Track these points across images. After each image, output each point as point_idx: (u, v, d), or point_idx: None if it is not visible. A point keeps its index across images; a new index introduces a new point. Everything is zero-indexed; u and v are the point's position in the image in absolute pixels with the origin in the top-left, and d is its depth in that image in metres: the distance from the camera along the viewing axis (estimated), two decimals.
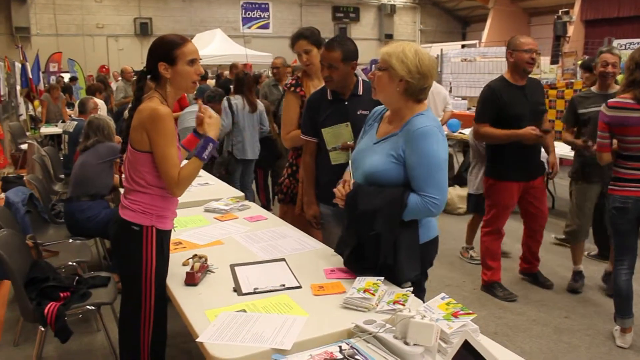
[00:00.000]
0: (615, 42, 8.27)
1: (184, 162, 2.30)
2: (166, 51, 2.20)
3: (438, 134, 2.21)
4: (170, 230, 2.38)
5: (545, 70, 9.97)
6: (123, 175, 2.36)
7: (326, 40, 3.18)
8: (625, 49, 8.26)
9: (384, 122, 2.41)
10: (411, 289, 2.13)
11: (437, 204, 2.18)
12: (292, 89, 3.47)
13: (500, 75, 4.08)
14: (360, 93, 3.00)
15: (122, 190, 2.40)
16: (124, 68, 9.94)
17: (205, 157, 2.27)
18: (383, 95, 2.31)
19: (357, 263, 2.28)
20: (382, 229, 2.17)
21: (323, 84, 3.13)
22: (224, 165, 5.62)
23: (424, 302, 2.20)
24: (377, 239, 2.18)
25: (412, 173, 2.21)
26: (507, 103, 3.87)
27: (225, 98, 5.73)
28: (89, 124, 4.46)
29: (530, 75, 4.00)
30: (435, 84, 6.67)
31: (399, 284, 2.25)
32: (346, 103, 3.00)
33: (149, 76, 2.28)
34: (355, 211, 2.24)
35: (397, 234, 2.19)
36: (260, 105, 5.81)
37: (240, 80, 5.82)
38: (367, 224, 2.19)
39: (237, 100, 5.62)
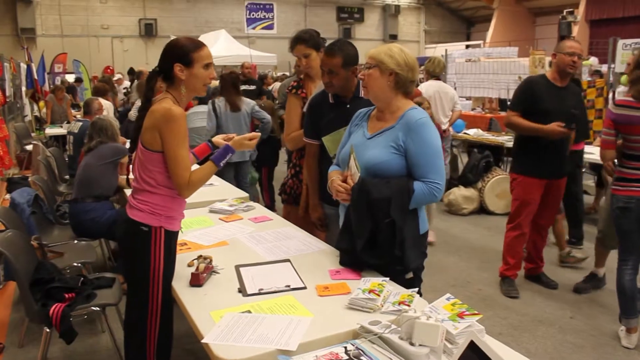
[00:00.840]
0: (620, 42, 8.22)
1: (194, 166, 2.31)
2: (184, 53, 2.22)
3: (433, 125, 2.39)
4: (177, 232, 2.39)
5: (549, 69, 9.95)
6: (131, 176, 2.37)
7: (327, 42, 3.17)
8: (629, 48, 8.20)
9: (372, 120, 2.52)
10: (415, 290, 2.13)
11: (439, 189, 2.32)
12: (294, 91, 3.48)
13: (542, 73, 4.28)
14: (362, 95, 2.99)
15: (127, 192, 2.41)
16: (143, 70, 10.00)
17: (222, 164, 2.32)
18: (375, 92, 2.41)
19: (370, 253, 2.31)
20: (396, 215, 2.24)
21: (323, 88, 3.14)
22: None
23: (421, 293, 2.27)
24: (392, 226, 2.25)
25: (415, 161, 2.32)
26: (539, 97, 3.96)
27: (210, 101, 5.68)
28: (92, 125, 4.48)
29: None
30: (441, 84, 6.66)
31: (404, 273, 2.33)
32: (348, 106, 2.99)
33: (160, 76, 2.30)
34: (367, 202, 2.28)
35: (405, 223, 2.27)
36: (247, 104, 5.65)
37: (221, 80, 5.77)
38: (382, 212, 2.25)
39: (220, 102, 5.57)
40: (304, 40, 3.37)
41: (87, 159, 4.37)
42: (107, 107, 7.32)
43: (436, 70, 6.58)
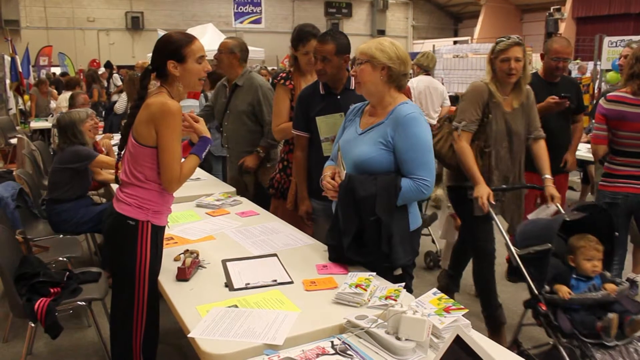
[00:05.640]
0: (606, 40, 8.31)
1: None
2: (175, 49, 2.20)
3: (423, 120, 2.35)
4: (164, 227, 2.38)
5: (536, 66, 10.03)
6: (119, 170, 2.35)
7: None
8: (615, 46, 8.28)
9: (365, 115, 2.51)
10: (402, 285, 2.14)
11: (428, 185, 2.29)
12: (282, 81, 3.48)
13: (535, 71, 4.23)
14: (353, 87, 3.00)
15: (113, 186, 2.39)
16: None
17: (203, 155, 2.34)
18: (368, 87, 2.40)
19: (356, 251, 2.31)
20: (382, 213, 2.24)
21: (314, 80, 3.14)
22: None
23: (411, 289, 2.29)
24: (378, 224, 2.24)
25: (403, 157, 2.30)
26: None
27: (202, 95, 5.58)
28: (56, 123, 4.27)
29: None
30: (432, 80, 6.67)
31: (393, 269, 2.33)
32: (339, 97, 3.00)
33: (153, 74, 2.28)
34: (353, 199, 2.28)
35: (392, 220, 2.27)
36: None
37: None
38: (367, 210, 2.25)
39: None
40: (317, 36, 3.21)
41: (55, 160, 4.21)
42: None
43: (430, 65, 6.59)
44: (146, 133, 2.18)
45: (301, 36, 3.37)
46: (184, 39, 2.23)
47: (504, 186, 3.22)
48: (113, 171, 4.28)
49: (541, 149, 3.32)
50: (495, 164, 3.18)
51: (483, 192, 3.02)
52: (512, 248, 2.79)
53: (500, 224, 3.05)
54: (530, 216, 3.20)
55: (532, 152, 3.33)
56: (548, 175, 3.23)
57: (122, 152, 2.33)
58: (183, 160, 2.29)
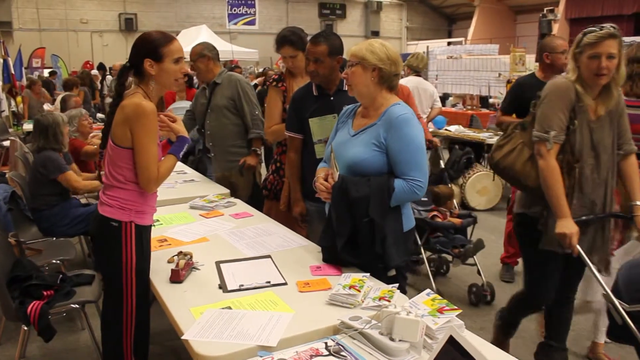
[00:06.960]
0: None
1: None
2: (153, 48, 2.20)
3: (415, 120, 2.36)
4: (150, 226, 2.38)
5: (530, 67, 10.06)
6: (102, 172, 2.35)
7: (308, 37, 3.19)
8: None
9: (358, 117, 2.52)
10: (395, 286, 2.14)
11: (421, 186, 2.29)
12: (275, 83, 3.50)
13: (531, 72, 4.31)
14: (346, 88, 3.00)
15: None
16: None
17: (181, 155, 2.35)
18: (359, 89, 2.40)
19: (350, 252, 2.32)
20: (375, 214, 2.24)
21: (306, 82, 3.14)
22: (194, 164, 5.47)
23: (405, 290, 2.29)
24: (371, 225, 2.25)
25: (396, 158, 2.31)
26: (529, 98, 3.90)
27: (195, 95, 5.58)
28: (35, 123, 4.18)
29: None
30: (421, 80, 6.68)
31: (387, 270, 2.33)
32: (332, 98, 3.01)
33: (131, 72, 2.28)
34: (346, 200, 2.28)
35: (385, 221, 2.27)
36: None
37: None
38: (361, 211, 2.26)
39: None
40: (292, 42, 3.37)
41: (31, 168, 4.13)
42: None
43: (420, 66, 6.61)
44: (122, 134, 2.19)
45: (277, 40, 3.45)
46: (163, 39, 2.23)
47: (584, 217, 2.56)
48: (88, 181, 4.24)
49: (631, 167, 2.67)
50: (579, 185, 2.55)
51: (572, 230, 2.46)
52: (617, 302, 2.25)
53: (595, 270, 2.49)
54: (617, 253, 2.81)
55: (620, 171, 2.69)
56: (639, 202, 2.61)
57: (104, 154, 2.33)
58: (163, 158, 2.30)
